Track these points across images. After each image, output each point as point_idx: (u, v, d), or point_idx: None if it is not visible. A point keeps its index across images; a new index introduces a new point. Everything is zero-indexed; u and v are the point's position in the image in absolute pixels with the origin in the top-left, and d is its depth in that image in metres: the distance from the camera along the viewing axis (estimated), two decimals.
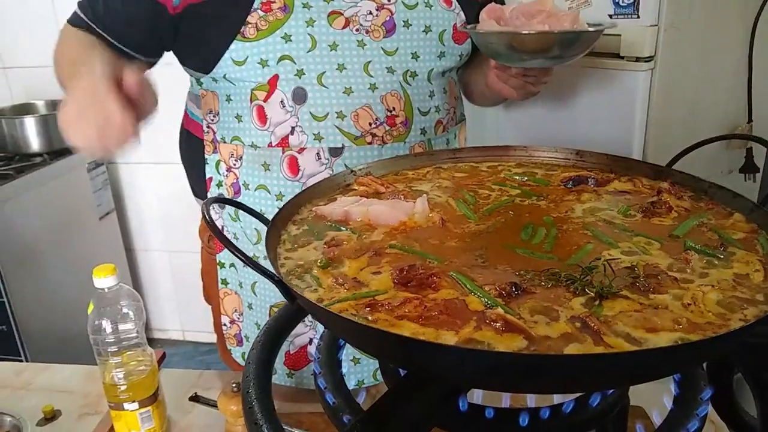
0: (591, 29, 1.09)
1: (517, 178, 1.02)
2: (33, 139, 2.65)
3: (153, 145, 3.00)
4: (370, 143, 1.20)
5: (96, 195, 2.88)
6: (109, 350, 1.14)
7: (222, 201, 0.80)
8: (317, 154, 1.19)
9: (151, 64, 1.29)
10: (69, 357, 1.75)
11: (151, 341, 3.37)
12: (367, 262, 0.75)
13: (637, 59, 1.52)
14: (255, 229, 1.28)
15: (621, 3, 1.50)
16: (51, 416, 1.29)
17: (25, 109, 2.79)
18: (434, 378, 0.60)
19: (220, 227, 1.33)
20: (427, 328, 0.61)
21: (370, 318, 0.63)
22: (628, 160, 1.02)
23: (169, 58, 1.29)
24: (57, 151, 2.69)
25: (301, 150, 1.19)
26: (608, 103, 1.60)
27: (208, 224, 0.68)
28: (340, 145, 1.19)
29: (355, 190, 0.98)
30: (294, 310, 0.77)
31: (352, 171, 1.01)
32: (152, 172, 3.01)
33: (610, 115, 1.61)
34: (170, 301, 3.27)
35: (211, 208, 1.35)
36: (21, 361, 2.47)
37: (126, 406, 1.15)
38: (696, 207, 0.89)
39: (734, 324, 0.61)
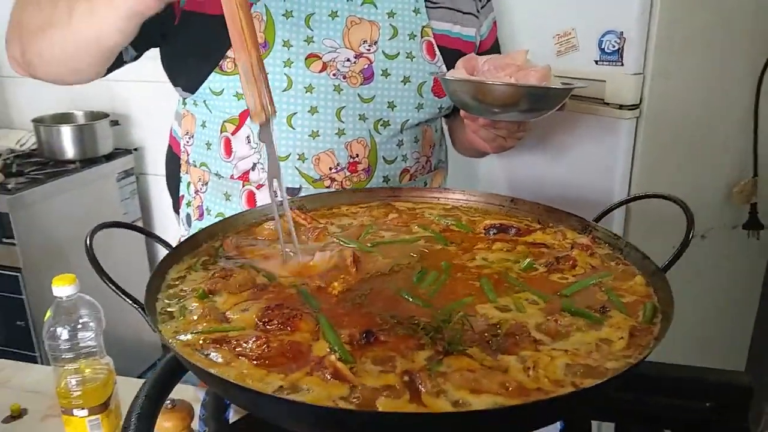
0: (556, 87, 1.06)
1: (444, 222, 1.02)
2: (68, 146, 2.79)
3: None
4: (328, 187, 1.20)
5: (123, 203, 3.00)
6: (64, 357, 1.18)
7: (112, 226, 0.83)
8: (275, 191, 1.21)
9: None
10: None
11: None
12: (247, 298, 0.77)
13: (621, 107, 1.50)
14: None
15: (606, 50, 1.49)
16: (17, 414, 1.35)
17: (64, 118, 2.94)
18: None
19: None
20: (258, 370, 0.62)
21: (212, 353, 0.65)
22: (559, 212, 1.01)
23: None
24: (90, 159, 2.83)
25: (260, 186, 1.22)
26: (592, 149, 1.58)
27: (87, 250, 0.72)
28: (297, 186, 1.20)
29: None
30: None
31: (281, 203, 1.03)
32: None
33: (594, 160, 1.58)
34: None
35: (181, 222, 1.41)
36: (35, 357, 2.59)
37: (76, 412, 1.18)
38: (606, 265, 0.87)
39: (564, 392, 0.60)
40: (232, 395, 0.60)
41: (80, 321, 1.17)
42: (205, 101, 1.24)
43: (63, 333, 1.16)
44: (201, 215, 1.31)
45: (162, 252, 0.89)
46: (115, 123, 2.95)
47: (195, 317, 0.72)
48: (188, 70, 1.23)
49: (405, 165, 1.28)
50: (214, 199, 1.28)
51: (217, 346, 0.66)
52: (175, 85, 1.30)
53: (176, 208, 1.44)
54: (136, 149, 3.06)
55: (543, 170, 1.68)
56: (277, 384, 0.61)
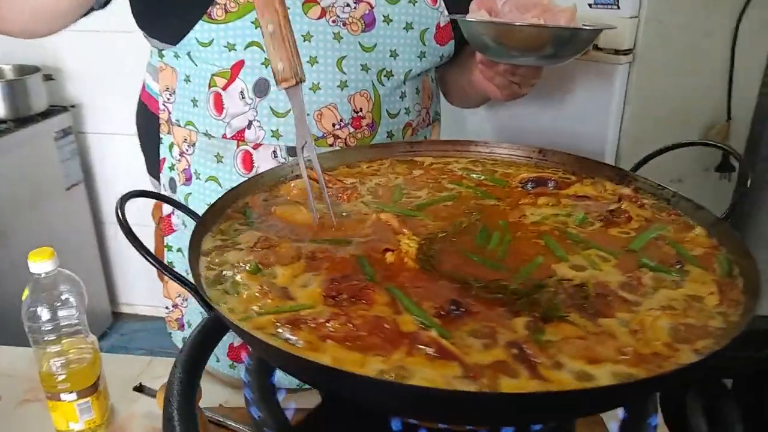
0: (588, 28, 1.00)
1: (474, 176, 0.97)
2: None
3: (125, 116, 2.93)
4: (331, 145, 1.13)
5: (63, 165, 2.79)
6: (46, 338, 1.08)
7: (144, 195, 0.74)
8: (273, 151, 1.12)
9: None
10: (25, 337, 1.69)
11: (120, 316, 3.31)
12: (304, 269, 0.70)
13: (616, 52, 1.47)
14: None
15: None
16: None
17: None
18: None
19: (169, 212, 1.27)
20: (353, 353, 0.56)
21: (291, 337, 0.58)
22: (592, 162, 0.98)
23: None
24: (23, 118, 2.60)
25: (257, 146, 1.12)
26: (585, 96, 1.56)
27: (119, 220, 0.63)
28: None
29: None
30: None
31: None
32: (123, 143, 2.92)
33: (587, 108, 1.56)
34: (140, 275, 3.21)
35: (163, 188, 1.31)
36: None
37: (63, 396, 1.09)
38: (657, 217, 0.85)
39: (683, 356, 0.57)
40: (336, 384, 0.53)
41: (60, 298, 1.07)
42: (189, 53, 1.12)
43: (43, 313, 1.06)
44: (188, 179, 1.21)
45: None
46: (48, 77, 2.71)
47: (256, 294, 0.65)
48: (169, 19, 1.11)
49: (408, 118, 1.21)
50: (203, 161, 1.18)
51: (290, 326, 0.59)
52: (151, 36, 1.17)
53: (153, 172, 1.32)
54: (73, 106, 2.84)
55: (533, 120, 1.65)
56: (378, 367, 0.55)
